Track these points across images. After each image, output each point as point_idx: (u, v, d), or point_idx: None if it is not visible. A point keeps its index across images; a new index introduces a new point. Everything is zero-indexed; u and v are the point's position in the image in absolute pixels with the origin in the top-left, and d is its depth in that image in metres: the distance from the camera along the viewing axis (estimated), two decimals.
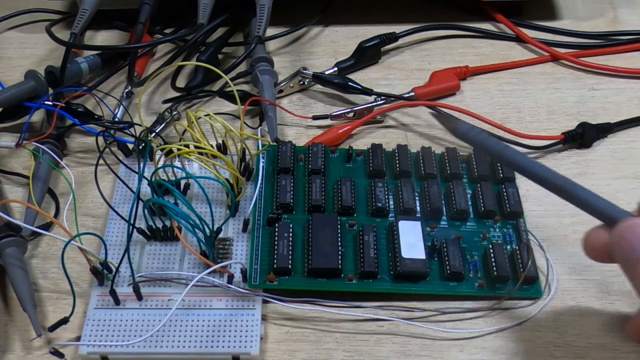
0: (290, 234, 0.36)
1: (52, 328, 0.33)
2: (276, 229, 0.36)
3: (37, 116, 0.45)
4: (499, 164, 0.40)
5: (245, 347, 0.33)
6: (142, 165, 0.34)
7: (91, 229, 0.39)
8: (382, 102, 0.46)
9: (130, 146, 0.41)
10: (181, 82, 0.48)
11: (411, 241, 0.36)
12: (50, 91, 0.44)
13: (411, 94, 0.46)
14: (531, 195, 0.41)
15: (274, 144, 0.41)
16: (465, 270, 0.36)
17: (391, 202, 0.39)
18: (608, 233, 0.28)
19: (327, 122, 0.45)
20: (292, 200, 0.38)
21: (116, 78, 0.49)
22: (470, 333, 0.34)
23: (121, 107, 0.45)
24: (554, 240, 0.38)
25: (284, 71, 0.49)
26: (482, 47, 0.52)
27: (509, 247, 0.37)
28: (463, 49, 0.51)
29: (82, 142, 0.44)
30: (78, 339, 0.33)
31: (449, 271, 0.35)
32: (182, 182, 0.39)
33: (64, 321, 0.33)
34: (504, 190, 0.39)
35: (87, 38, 0.53)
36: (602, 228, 0.29)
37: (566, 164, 0.43)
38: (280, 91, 0.47)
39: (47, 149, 0.40)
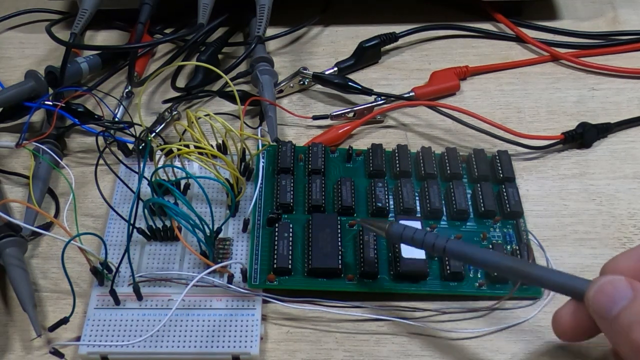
0: (290, 234, 0.36)
1: (52, 328, 0.33)
2: (276, 229, 0.36)
3: (37, 116, 0.45)
4: (499, 164, 0.40)
5: (245, 347, 0.32)
6: (142, 165, 0.34)
7: (91, 229, 0.39)
8: (382, 102, 0.46)
9: (130, 146, 0.41)
10: (181, 82, 0.48)
11: None
12: (50, 91, 0.44)
13: (411, 94, 0.46)
14: (531, 195, 0.41)
15: (274, 144, 0.41)
16: (465, 270, 0.36)
17: (391, 202, 0.39)
18: (575, 307, 0.27)
19: (327, 122, 0.45)
20: (292, 200, 0.38)
21: (116, 78, 0.49)
22: (470, 333, 0.34)
23: (121, 107, 0.45)
24: (554, 240, 0.38)
25: (284, 71, 0.49)
26: (482, 47, 0.52)
27: (509, 247, 0.37)
28: (463, 49, 0.51)
29: (82, 142, 0.44)
30: (78, 339, 0.33)
31: (449, 271, 0.35)
32: (182, 182, 0.39)
33: (64, 321, 0.33)
34: (504, 190, 0.39)
35: (87, 38, 0.53)
36: (569, 304, 0.27)
37: (566, 164, 0.43)
38: (280, 91, 0.47)
39: (47, 149, 0.40)
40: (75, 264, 0.37)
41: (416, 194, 0.39)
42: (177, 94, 0.46)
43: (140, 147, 0.39)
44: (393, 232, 0.32)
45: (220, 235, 0.37)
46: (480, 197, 0.38)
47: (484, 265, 0.29)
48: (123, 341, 0.32)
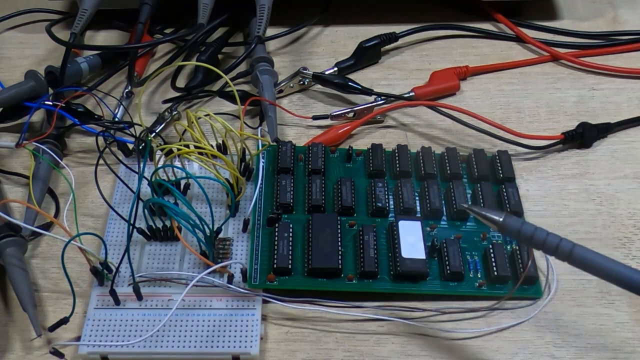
0: (290, 234, 0.36)
1: (52, 328, 0.33)
2: (276, 229, 0.36)
3: (37, 116, 0.45)
4: (499, 164, 0.40)
5: (245, 347, 0.33)
6: (142, 165, 0.34)
7: (91, 229, 0.39)
8: (382, 102, 0.46)
9: (130, 146, 0.41)
10: (181, 82, 0.48)
11: (411, 241, 0.36)
12: (50, 91, 0.44)
13: (411, 94, 0.46)
14: (531, 195, 0.41)
15: (274, 144, 0.41)
16: (465, 270, 0.36)
17: (391, 202, 0.39)
18: None
19: (327, 122, 0.45)
20: (292, 200, 0.38)
21: (116, 78, 0.49)
22: (470, 333, 0.34)
23: (121, 107, 0.45)
24: None
25: (284, 71, 0.49)
26: (482, 47, 0.52)
27: (509, 247, 0.37)
28: (463, 49, 0.51)
29: (82, 142, 0.44)
30: (78, 339, 0.33)
31: (449, 271, 0.35)
32: (182, 182, 0.39)
33: (64, 321, 0.33)
34: (504, 190, 0.39)
35: (87, 38, 0.53)
36: None
37: (566, 164, 0.43)
38: (280, 91, 0.47)
39: (47, 149, 0.40)
40: (75, 264, 0.37)
41: (416, 194, 0.39)
42: (177, 94, 0.46)
43: (140, 147, 0.39)
44: (509, 225, 0.28)
45: (220, 235, 0.37)
46: (480, 197, 0.38)
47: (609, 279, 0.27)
48: (123, 341, 0.32)
